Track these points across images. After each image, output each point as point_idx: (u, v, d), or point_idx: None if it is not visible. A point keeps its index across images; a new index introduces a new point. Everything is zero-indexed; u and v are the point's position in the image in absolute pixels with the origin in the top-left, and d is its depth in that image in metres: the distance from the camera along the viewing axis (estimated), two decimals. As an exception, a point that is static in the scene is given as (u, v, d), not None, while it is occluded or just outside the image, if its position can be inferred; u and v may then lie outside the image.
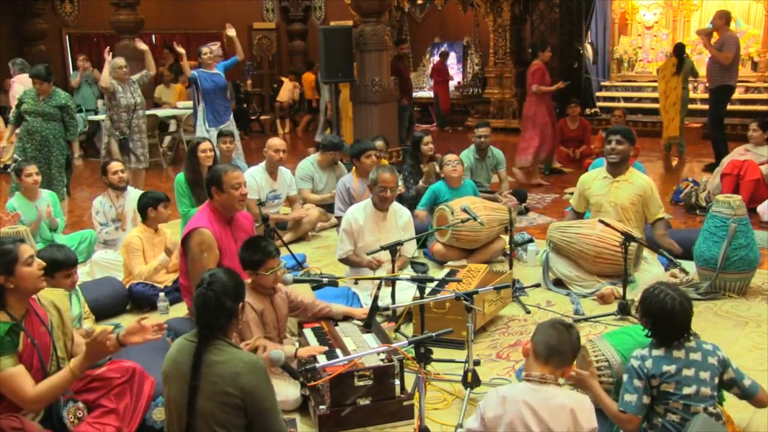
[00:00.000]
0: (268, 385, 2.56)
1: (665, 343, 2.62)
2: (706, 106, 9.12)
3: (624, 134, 4.89)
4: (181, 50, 8.21)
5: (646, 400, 2.59)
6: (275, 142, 6.17)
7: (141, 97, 7.63)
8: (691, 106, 10.41)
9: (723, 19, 8.39)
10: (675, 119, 9.62)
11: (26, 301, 2.74)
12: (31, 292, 2.75)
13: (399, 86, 10.24)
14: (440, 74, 14.12)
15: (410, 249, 4.81)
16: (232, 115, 8.21)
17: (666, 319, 2.60)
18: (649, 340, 2.71)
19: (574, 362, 2.51)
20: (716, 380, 2.60)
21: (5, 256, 2.64)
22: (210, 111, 8.06)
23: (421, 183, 6.54)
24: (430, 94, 14.75)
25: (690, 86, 11.77)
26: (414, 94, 12.09)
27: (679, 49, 9.65)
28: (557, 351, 2.42)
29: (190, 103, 11.19)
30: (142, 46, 8.03)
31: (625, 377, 2.67)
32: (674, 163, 9.58)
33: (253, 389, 2.47)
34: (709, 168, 8.51)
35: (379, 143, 6.74)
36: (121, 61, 7.56)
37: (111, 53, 7.58)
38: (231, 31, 8.24)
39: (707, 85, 8.80)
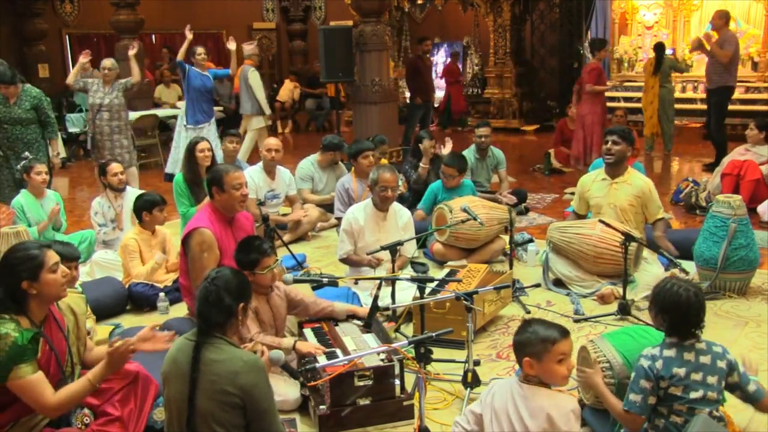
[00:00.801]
0: (267, 385, 2.55)
1: (683, 337, 2.58)
2: (705, 106, 9.12)
3: (621, 135, 4.86)
4: (189, 35, 8.23)
5: (651, 400, 2.57)
6: (269, 141, 6.18)
7: (115, 100, 7.52)
8: (689, 106, 10.43)
9: (723, 18, 8.40)
10: (653, 117, 9.69)
11: (47, 307, 2.73)
12: (53, 299, 2.74)
13: (414, 85, 10.30)
14: (452, 74, 13.87)
15: (410, 249, 4.81)
16: (213, 119, 8.32)
17: (681, 312, 2.56)
18: (656, 340, 2.69)
19: (531, 356, 2.43)
20: (723, 384, 2.58)
21: (31, 261, 2.62)
22: (191, 108, 8.20)
23: (421, 165, 6.47)
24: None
25: (689, 86, 11.82)
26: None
27: (658, 49, 9.69)
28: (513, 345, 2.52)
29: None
30: (131, 51, 7.93)
31: (632, 375, 2.63)
32: (657, 162, 9.62)
33: (252, 388, 2.47)
34: (709, 168, 8.54)
35: (383, 147, 6.74)
36: (106, 62, 7.60)
37: (89, 55, 7.57)
38: (231, 45, 8.33)
39: (706, 85, 8.79)
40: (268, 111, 9.80)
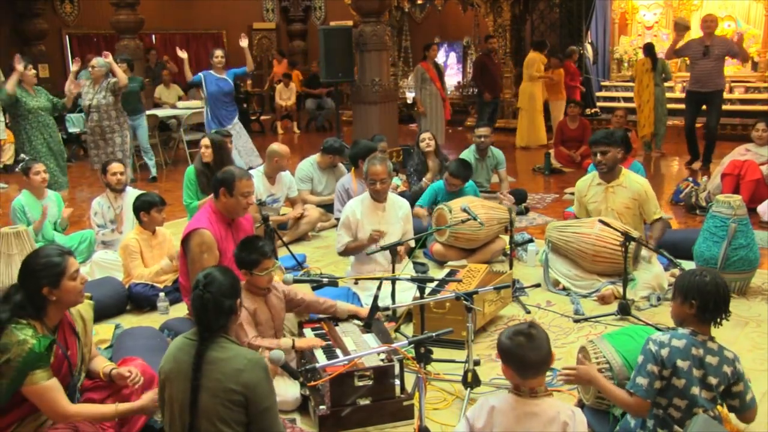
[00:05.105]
0: (269, 384, 2.57)
1: (706, 324, 2.57)
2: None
3: (606, 142, 4.76)
4: (183, 55, 8.41)
5: (657, 385, 2.54)
6: (282, 150, 6.11)
7: (102, 100, 7.65)
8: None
9: (715, 23, 8.59)
10: (650, 117, 9.69)
11: (63, 312, 2.79)
12: (71, 305, 2.80)
13: (484, 82, 10.63)
14: (574, 78, 11.60)
15: (411, 235, 4.81)
16: (236, 120, 8.42)
17: (709, 296, 2.55)
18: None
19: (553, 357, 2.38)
20: (722, 388, 2.57)
21: (53, 268, 2.68)
22: (212, 113, 8.32)
23: (425, 180, 6.52)
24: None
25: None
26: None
27: (648, 49, 9.69)
28: (531, 365, 2.28)
29: (189, 103, 11.37)
30: (109, 57, 7.99)
31: (640, 359, 2.60)
32: (654, 161, 9.62)
33: (255, 386, 2.49)
34: (690, 164, 8.87)
35: (382, 144, 6.75)
36: (93, 60, 7.73)
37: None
38: (243, 42, 8.43)
39: (702, 89, 8.71)
40: None
